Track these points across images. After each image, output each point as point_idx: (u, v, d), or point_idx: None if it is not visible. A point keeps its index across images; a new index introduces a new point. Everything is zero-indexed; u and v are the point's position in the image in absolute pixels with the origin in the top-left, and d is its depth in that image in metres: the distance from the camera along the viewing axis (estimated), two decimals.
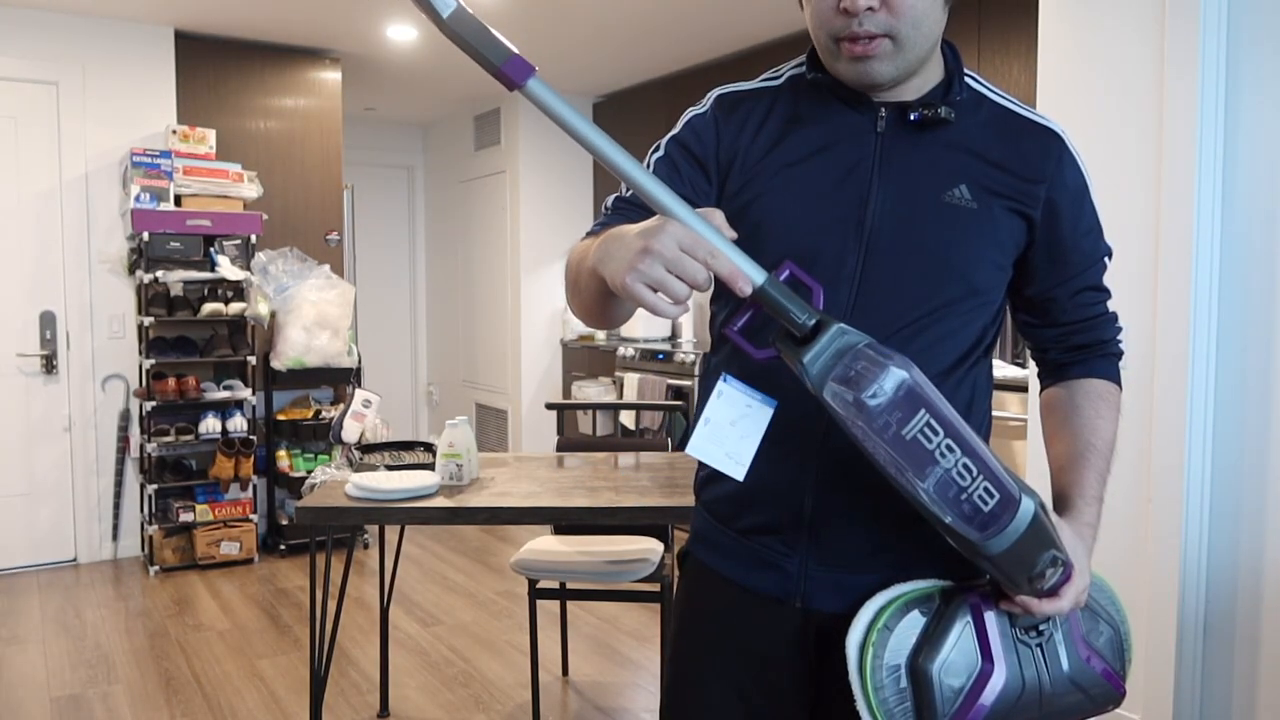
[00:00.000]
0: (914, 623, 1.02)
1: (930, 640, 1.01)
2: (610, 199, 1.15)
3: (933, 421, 0.90)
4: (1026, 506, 0.95)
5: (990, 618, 1.01)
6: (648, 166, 1.14)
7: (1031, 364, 1.26)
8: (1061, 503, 1.12)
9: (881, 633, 1.01)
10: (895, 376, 0.89)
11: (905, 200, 1.07)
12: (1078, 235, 1.13)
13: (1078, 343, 1.18)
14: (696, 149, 1.14)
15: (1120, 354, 1.21)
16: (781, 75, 1.17)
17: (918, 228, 1.06)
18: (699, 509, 1.22)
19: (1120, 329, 1.21)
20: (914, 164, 1.08)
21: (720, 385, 1.02)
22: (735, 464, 1.00)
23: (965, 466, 0.92)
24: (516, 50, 0.87)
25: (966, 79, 1.12)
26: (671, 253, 0.85)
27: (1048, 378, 1.22)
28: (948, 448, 0.91)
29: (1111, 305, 1.20)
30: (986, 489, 0.93)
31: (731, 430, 1.00)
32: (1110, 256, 1.18)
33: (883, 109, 1.09)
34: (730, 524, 1.16)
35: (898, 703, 1.00)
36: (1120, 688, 1.08)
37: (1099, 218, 1.16)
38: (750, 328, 0.96)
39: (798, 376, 0.92)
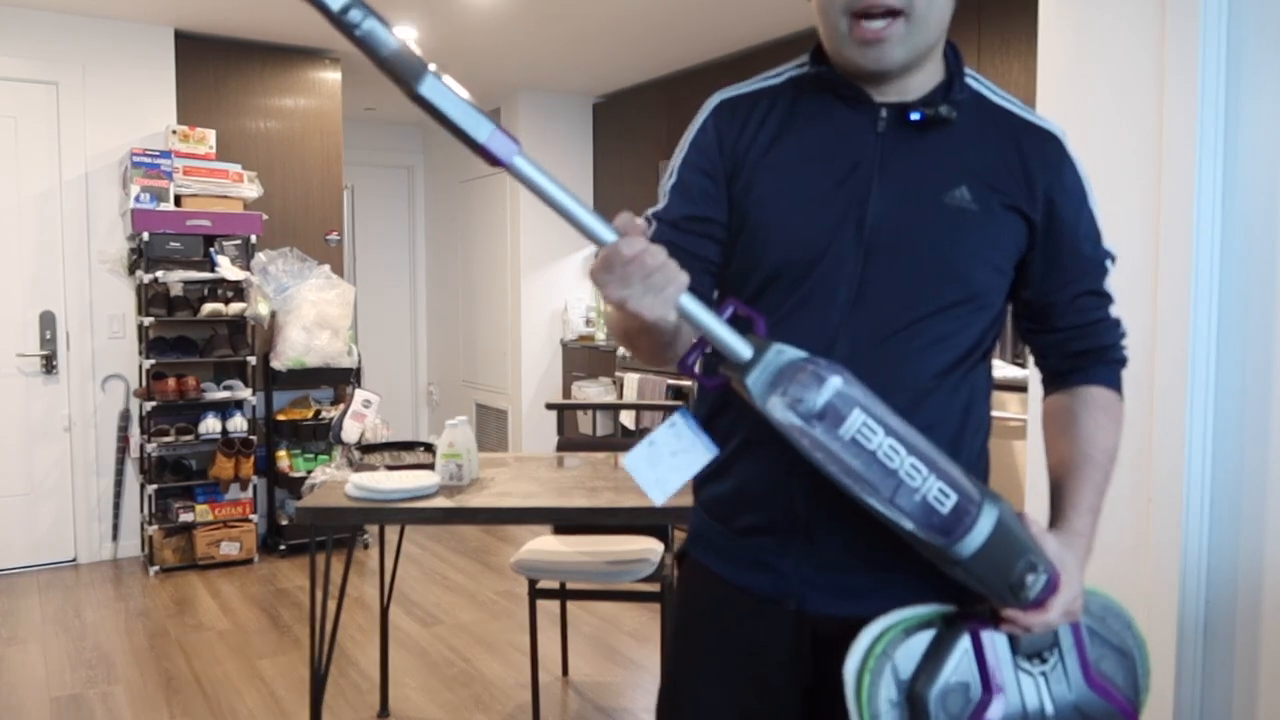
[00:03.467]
0: (913, 649, 1.00)
1: (929, 666, 0.99)
2: None
3: (869, 421, 0.92)
4: (989, 508, 0.94)
5: (991, 644, 0.99)
6: (663, 198, 1.16)
7: (1032, 364, 1.25)
8: (1055, 513, 1.11)
9: (880, 659, 0.99)
10: (828, 382, 0.92)
11: (906, 201, 1.06)
12: (1077, 239, 1.12)
13: (1077, 349, 1.16)
14: (709, 170, 1.12)
15: (1123, 361, 1.18)
16: (781, 75, 1.16)
17: (918, 229, 1.05)
18: (696, 508, 1.22)
19: (1123, 334, 1.18)
20: (915, 164, 1.07)
21: (675, 417, 1.05)
22: (659, 491, 1.03)
23: (914, 467, 0.93)
24: (497, 125, 0.84)
25: (967, 79, 1.11)
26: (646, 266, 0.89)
27: (1049, 385, 1.20)
28: (891, 449, 0.92)
29: (1114, 311, 1.18)
30: (941, 489, 0.93)
31: (670, 460, 1.04)
32: (1113, 261, 1.16)
33: (883, 109, 1.07)
34: (727, 524, 1.15)
35: None
36: (1132, 717, 1.05)
37: (1098, 222, 1.15)
38: (701, 360, 1.05)
39: (746, 399, 0.95)
